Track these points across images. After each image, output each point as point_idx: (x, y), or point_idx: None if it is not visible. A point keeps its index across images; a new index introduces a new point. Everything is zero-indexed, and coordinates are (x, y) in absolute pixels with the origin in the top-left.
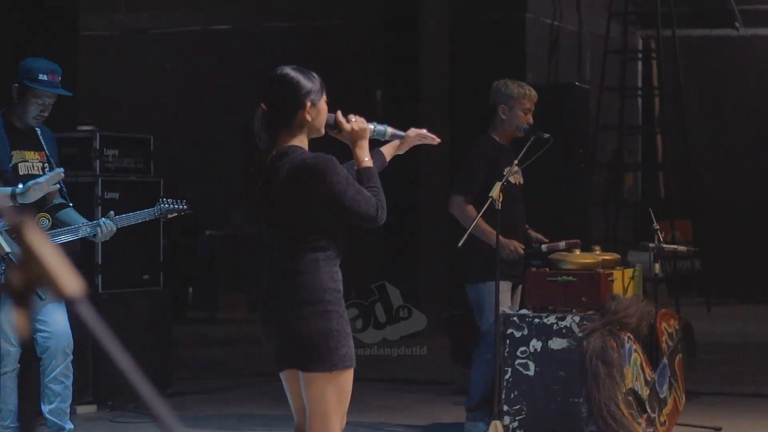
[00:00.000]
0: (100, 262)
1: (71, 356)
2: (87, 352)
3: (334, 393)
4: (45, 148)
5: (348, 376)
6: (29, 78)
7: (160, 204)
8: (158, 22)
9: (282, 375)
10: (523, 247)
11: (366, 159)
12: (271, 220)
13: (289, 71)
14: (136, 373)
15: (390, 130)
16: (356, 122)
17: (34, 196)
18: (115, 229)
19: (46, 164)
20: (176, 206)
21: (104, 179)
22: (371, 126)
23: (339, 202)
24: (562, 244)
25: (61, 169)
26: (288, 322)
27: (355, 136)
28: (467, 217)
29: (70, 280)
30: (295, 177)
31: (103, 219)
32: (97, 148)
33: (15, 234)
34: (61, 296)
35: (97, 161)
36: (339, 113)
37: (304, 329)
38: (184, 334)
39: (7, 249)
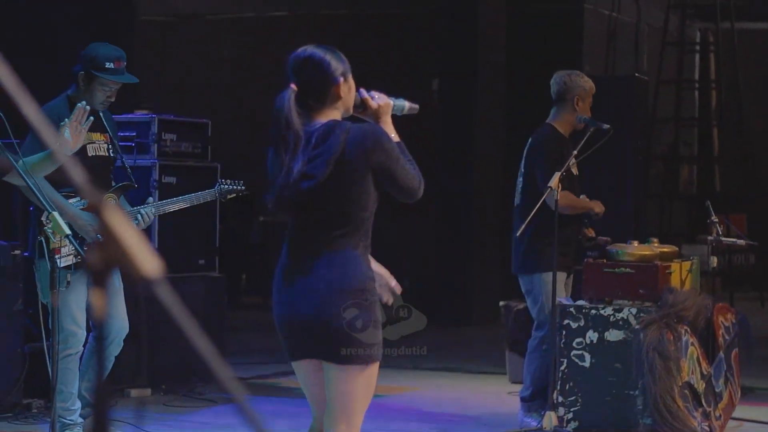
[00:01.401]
0: (156, 245)
1: (122, 345)
2: (142, 336)
3: (365, 387)
4: (108, 129)
5: (376, 368)
6: (95, 67)
7: (219, 185)
8: (215, 8)
9: (298, 364)
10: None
11: (394, 134)
12: (310, 202)
13: (317, 50)
14: (215, 356)
15: (407, 104)
16: (379, 98)
17: (73, 139)
18: (154, 216)
19: (110, 145)
20: (235, 187)
21: (162, 163)
22: (391, 101)
23: (392, 171)
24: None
25: (83, 103)
26: (326, 311)
27: (380, 112)
28: (573, 202)
29: (149, 260)
30: (354, 145)
31: (142, 208)
32: (155, 132)
33: (94, 213)
34: (140, 276)
35: (155, 145)
36: (363, 91)
37: (346, 320)
38: (238, 320)
39: (67, 231)
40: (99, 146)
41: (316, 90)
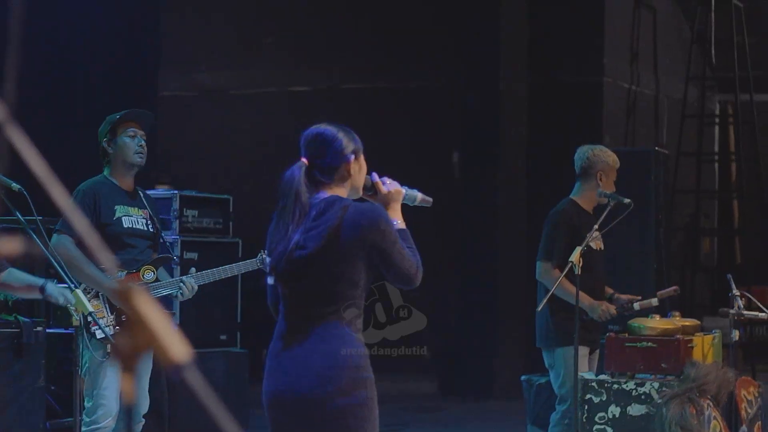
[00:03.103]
0: (178, 321)
1: (143, 421)
2: (163, 410)
3: None
4: (147, 206)
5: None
6: (109, 123)
7: (261, 254)
8: (237, 83)
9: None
10: (614, 307)
11: (401, 220)
12: (301, 273)
13: (329, 127)
14: None
15: (420, 195)
16: (391, 184)
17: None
18: (197, 287)
19: (149, 221)
20: None
21: (184, 239)
22: (403, 190)
23: (387, 253)
24: (654, 300)
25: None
26: (320, 386)
27: (390, 198)
28: (554, 282)
29: (177, 345)
30: (350, 222)
31: (185, 277)
32: (177, 208)
33: (124, 297)
34: (168, 361)
35: (177, 221)
36: (375, 175)
37: (341, 397)
38: (260, 394)
39: (89, 309)
40: (136, 220)
41: (326, 166)
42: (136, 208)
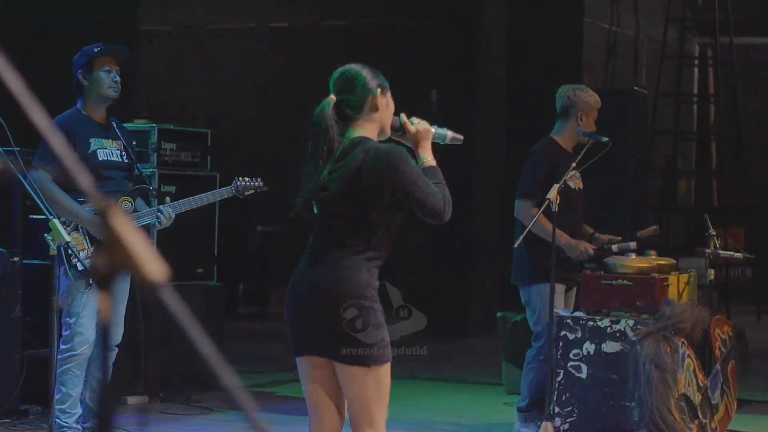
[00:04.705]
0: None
1: (116, 350)
2: (139, 344)
3: (376, 388)
4: (121, 137)
5: (387, 369)
6: (86, 55)
7: (236, 181)
8: (216, 18)
9: (302, 359)
10: (593, 247)
11: (430, 158)
12: (325, 212)
13: (354, 65)
14: (220, 361)
15: (450, 133)
16: (420, 124)
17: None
18: (174, 215)
19: (123, 152)
20: (252, 183)
21: (162, 172)
22: (433, 129)
23: (410, 193)
24: (632, 244)
25: None
26: (327, 312)
27: (419, 137)
28: (531, 220)
29: (154, 265)
30: (370, 165)
31: (162, 207)
32: (155, 141)
33: (101, 217)
34: (145, 281)
35: (155, 154)
36: (404, 115)
37: (345, 321)
38: (235, 329)
39: (67, 238)
40: (111, 152)
41: (353, 100)
42: (110, 140)
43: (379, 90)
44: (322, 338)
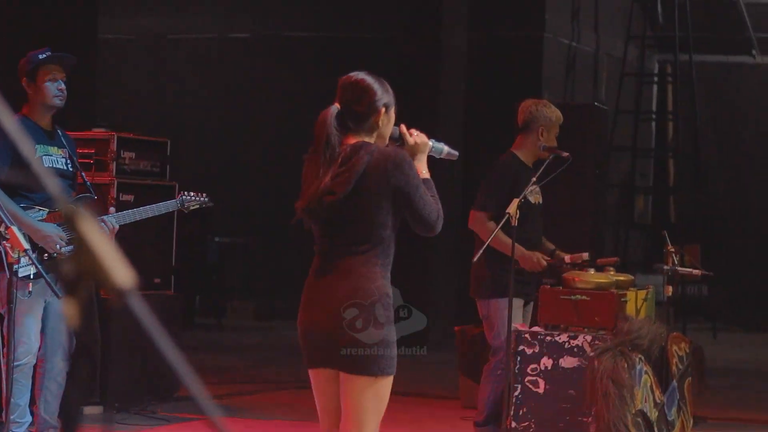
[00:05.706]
0: None
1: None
2: (94, 353)
3: (374, 400)
4: (66, 146)
5: (388, 383)
6: (30, 62)
7: (182, 196)
8: (176, 28)
9: (313, 372)
10: (547, 258)
11: (425, 171)
12: (332, 217)
13: (368, 77)
14: (185, 367)
15: (446, 148)
16: (418, 136)
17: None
18: (118, 226)
19: (68, 160)
20: (198, 198)
21: (120, 181)
22: (430, 142)
23: (410, 198)
24: (584, 255)
25: None
26: (337, 321)
27: (417, 150)
28: (487, 232)
29: (122, 271)
30: (376, 165)
31: (105, 217)
32: (114, 149)
33: (68, 223)
34: (113, 287)
35: (114, 163)
36: (403, 126)
37: (345, 320)
38: (191, 340)
39: (26, 245)
40: (56, 159)
41: (355, 114)
42: (56, 147)
43: (384, 109)
44: (333, 349)
